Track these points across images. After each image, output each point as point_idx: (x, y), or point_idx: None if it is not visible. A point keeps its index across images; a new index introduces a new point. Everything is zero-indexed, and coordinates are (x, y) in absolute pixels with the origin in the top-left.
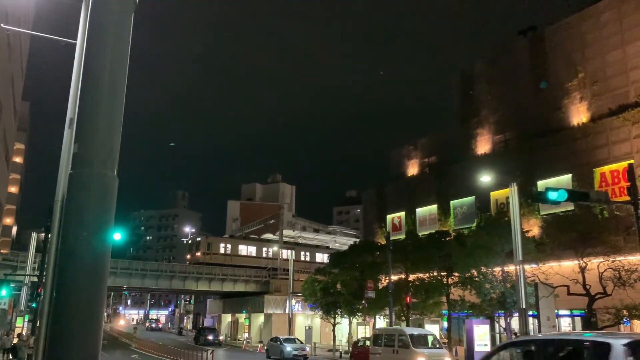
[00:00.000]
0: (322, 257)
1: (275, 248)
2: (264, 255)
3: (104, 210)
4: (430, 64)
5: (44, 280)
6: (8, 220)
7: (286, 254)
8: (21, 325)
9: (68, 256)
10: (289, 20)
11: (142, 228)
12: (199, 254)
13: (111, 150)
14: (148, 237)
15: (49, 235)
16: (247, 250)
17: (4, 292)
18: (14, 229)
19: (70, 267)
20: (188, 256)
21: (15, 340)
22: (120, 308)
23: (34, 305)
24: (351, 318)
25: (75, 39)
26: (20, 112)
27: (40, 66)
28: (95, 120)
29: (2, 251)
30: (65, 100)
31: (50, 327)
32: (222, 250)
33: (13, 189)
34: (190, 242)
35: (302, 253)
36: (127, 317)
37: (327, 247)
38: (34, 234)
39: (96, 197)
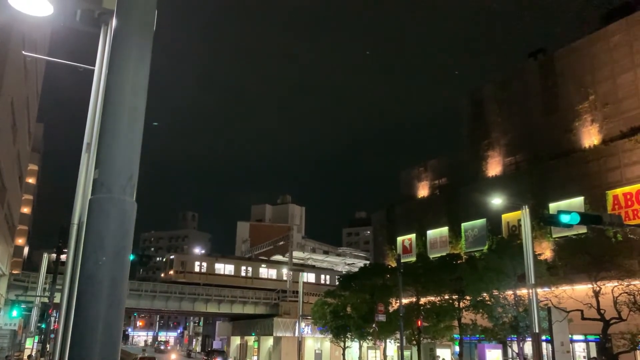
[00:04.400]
0: (331, 279)
1: (285, 270)
2: (275, 277)
3: (123, 235)
4: (440, 86)
5: (55, 301)
6: (20, 241)
7: (292, 275)
8: (31, 346)
9: (87, 280)
10: (297, 42)
11: (152, 249)
12: (173, 272)
13: (130, 175)
14: (158, 258)
15: (61, 256)
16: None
17: (15, 313)
18: (26, 250)
19: (89, 291)
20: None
21: None
22: (129, 330)
23: (43, 326)
24: (361, 342)
25: (90, 62)
26: (34, 133)
27: (53, 88)
28: (115, 146)
29: (14, 272)
30: (77, 122)
31: (69, 350)
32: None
33: (25, 210)
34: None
35: (312, 275)
36: (142, 342)
37: (336, 270)
38: (45, 255)
39: (116, 222)
